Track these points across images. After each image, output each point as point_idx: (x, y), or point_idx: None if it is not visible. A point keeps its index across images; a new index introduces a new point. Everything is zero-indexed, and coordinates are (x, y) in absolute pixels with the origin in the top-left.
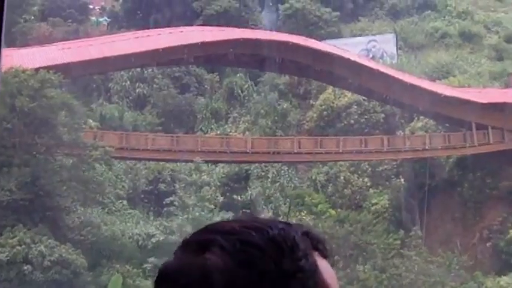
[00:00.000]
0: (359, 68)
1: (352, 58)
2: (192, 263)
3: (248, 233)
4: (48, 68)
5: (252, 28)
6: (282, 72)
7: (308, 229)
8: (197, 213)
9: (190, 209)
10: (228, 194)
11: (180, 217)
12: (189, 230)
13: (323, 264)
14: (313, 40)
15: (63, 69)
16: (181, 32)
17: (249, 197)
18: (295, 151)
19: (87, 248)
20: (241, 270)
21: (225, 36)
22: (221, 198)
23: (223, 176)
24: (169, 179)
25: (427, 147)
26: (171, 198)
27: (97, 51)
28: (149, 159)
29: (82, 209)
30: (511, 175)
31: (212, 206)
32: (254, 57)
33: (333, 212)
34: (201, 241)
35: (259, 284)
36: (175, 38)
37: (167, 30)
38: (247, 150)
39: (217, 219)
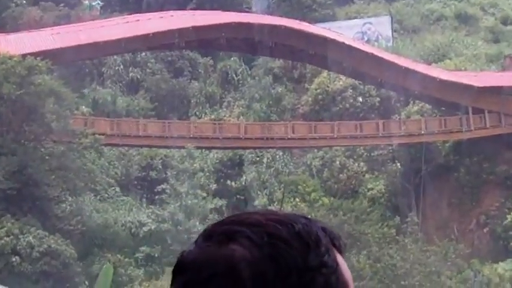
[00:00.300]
0: (354, 51)
1: (347, 42)
2: (217, 253)
3: (274, 226)
4: (37, 54)
5: (246, 11)
6: (275, 56)
7: (324, 224)
8: (189, 201)
9: (183, 195)
10: (221, 180)
11: (172, 205)
12: (181, 218)
13: (341, 260)
14: (307, 24)
15: (53, 55)
16: (172, 16)
17: (243, 183)
18: (289, 136)
19: (77, 238)
20: (270, 263)
21: (217, 20)
22: (214, 185)
23: (216, 161)
24: (160, 166)
25: (422, 132)
26: (163, 186)
27: (86, 36)
28: (141, 146)
29: (72, 198)
30: (508, 159)
31: (205, 194)
32: (247, 41)
33: (326, 200)
34: (226, 232)
35: (286, 278)
36: (166, 23)
37: (157, 14)
38: (240, 136)
39: (210, 206)
